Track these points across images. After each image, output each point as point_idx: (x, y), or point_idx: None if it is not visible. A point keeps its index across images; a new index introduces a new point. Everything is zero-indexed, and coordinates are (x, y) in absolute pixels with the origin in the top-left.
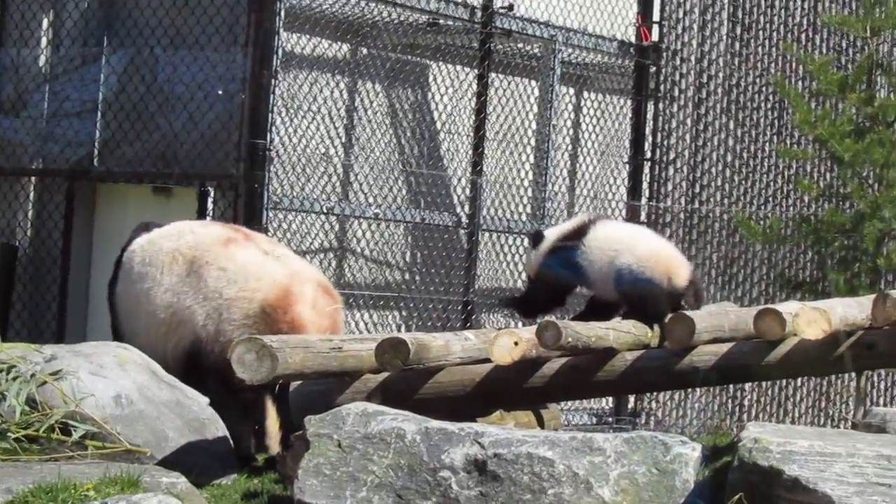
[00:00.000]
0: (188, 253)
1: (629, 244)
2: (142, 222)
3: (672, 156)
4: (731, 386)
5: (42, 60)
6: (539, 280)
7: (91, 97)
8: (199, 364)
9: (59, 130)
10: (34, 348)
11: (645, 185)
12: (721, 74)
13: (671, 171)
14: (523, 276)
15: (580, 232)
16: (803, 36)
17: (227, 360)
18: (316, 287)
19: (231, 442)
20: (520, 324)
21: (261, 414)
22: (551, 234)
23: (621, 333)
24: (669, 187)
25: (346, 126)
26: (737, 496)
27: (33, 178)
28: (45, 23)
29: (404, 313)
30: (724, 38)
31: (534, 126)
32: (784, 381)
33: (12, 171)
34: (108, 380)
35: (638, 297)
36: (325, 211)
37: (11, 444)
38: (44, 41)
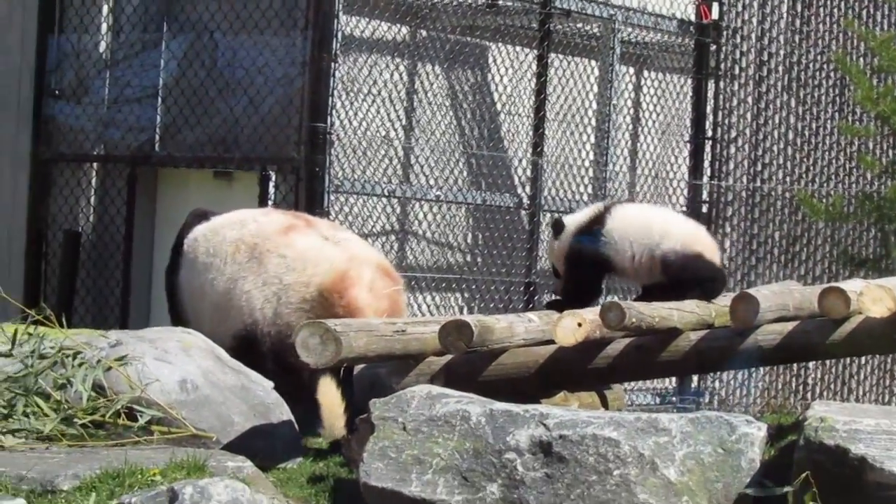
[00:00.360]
0: (250, 241)
1: (663, 228)
2: (197, 209)
3: (733, 134)
4: (795, 365)
5: (102, 46)
6: (572, 266)
7: (151, 83)
8: (255, 347)
9: (121, 116)
10: (99, 334)
11: (706, 164)
12: (782, 52)
13: (732, 149)
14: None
15: (604, 216)
16: (864, 12)
17: (285, 343)
18: (375, 269)
19: (296, 426)
20: None
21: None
22: (572, 221)
23: (685, 313)
24: (731, 166)
25: (406, 108)
26: (803, 475)
27: (95, 164)
28: (105, 9)
29: (466, 295)
30: (785, 14)
31: (594, 106)
32: (848, 360)
33: (74, 158)
34: (173, 365)
35: (691, 274)
36: (386, 194)
37: (78, 429)
38: (104, 27)
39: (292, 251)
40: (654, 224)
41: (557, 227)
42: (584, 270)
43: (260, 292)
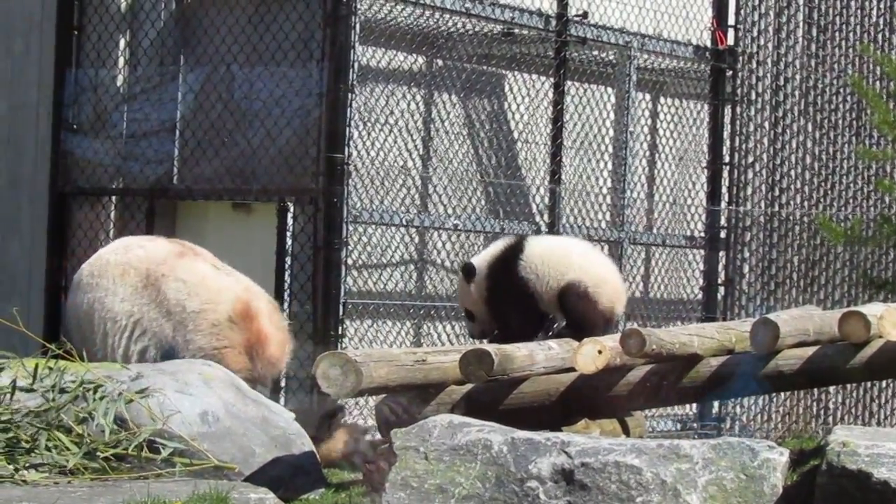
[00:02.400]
0: (140, 266)
1: (580, 263)
2: None
3: (751, 159)
4: (816, 389)
5: (120, 80)
6: (499, 303)
7: (169, 115)
8: None
9: (139, 149)
10: (119, 367)
11: (724, 190)
12: (798, 76)
13: (750, 174)
14: None
15: (521, 244)
16: (880, 36)
17: None
18: (268, 303)
19: (318, 456)
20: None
21: None
22: (484, 259)
23: (705, 339)
24: (749, 191)
25: (423, 138)
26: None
27: (114, 198)
28: (121, 43)
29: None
30: (801, 39)
31: (611, 133)
32: (869, 384)
33: (92, 192)
34: (193, 397)
35: (581, 316)
36: (404, 223)
37: (101, 463)
38: (121, 61)
39: (192, 277)
40: (571, 254)
41: (469, 270)
42: (513, 301)
43: (167, 321)
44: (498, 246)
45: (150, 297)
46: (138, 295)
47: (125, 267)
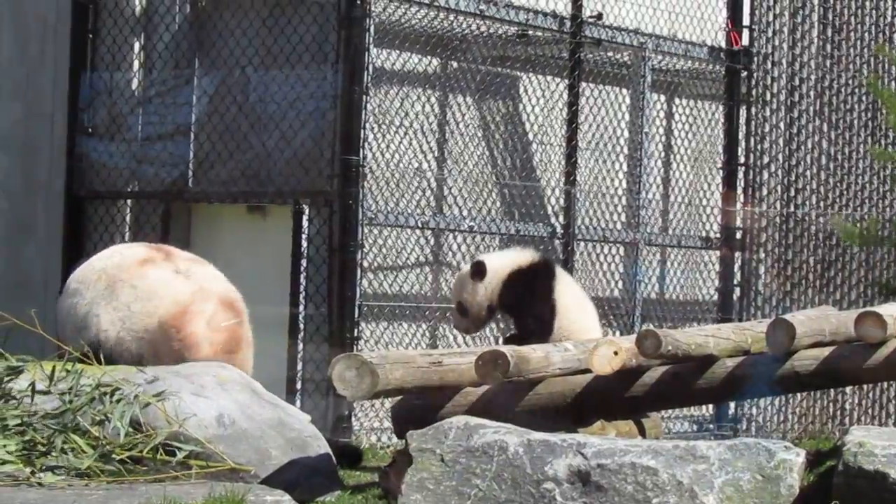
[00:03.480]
0: (111, 272)
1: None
2: None
3: (766, 160)
4: (832, 390)
5: (135, 84)
6: (523, 303)
7: (184, 119)
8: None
9: (153, 153)
10: (136, 370)
11: (740, 191)
12: (813, 77)
13: (765, 175)
14: (617, 285)
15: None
16: (895, 36)
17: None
18: (217, 303)
19: (334, 458)
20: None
21: None
22: (503, 266)
23: (721, 340)
24: (764, 192)
25: (438, 140)
26: None
27: (129, 201)
28: (136, 46)
29: (502, 326)
30: (815, 40)
31: (626, 134)
32: (886, 384)
33: (108, 195)
34: (209, 399)
35: None
36: (419, 225)
37: (116, 465)
38: (136, 64)
39: (144, 283)
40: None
41: (480, 269)
42: (537, 313)
43: (107, 315)
44: (523, 257)
45: (105, 298)
46: (99, 297)
47: (100, 273)
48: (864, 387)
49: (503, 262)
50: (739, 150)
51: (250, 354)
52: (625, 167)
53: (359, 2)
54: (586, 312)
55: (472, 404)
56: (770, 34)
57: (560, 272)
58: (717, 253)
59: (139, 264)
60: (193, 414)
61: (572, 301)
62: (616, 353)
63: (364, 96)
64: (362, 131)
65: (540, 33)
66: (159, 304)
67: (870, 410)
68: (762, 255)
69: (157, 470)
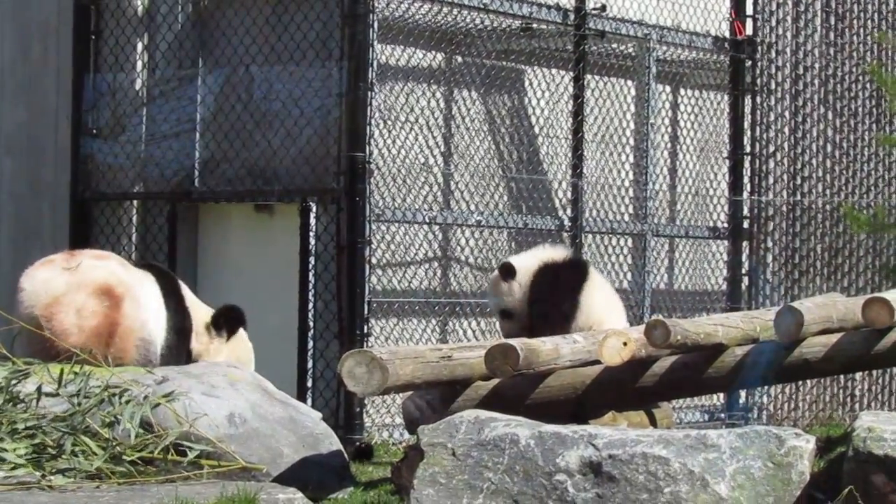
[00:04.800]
0: (20, 277)
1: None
2: None
3: (772, 149)
4: (842, 376)
5: (138, 84)
6: (548, 300)
7: (189, 118)
8: None
9: (159, 153)
10: (145, 371)
11: (746, 180)
12: (817, 65)
13: (772, 164)
14: (626, 276)
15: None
16: None
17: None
18: (91, 293)
19: (346, 455)
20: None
21: None
22: (531, 265)
23: (730, 329)
24: (771, 180)
25: (444, 135)
26: (846, 490)
27: (135, 202)
28: (139, 46)
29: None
30: (819, 28)
31: (632, 126)
32: (894, 369)
33: (114, 196)
34: (220, 399)
35: None
36: (427, 221)
37: (127, 467)
38: (139, 65)
39: (30, 284)
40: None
41: (509, 270)
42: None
43: (16, 315)
44: (556, 254)
45: (16, 304)
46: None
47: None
48: (873, 372)
49: (532, 260)
50: (745, 139)
51: (134, 340)
52: (631, 159)
53: None
54: (613, 312)
55: (482, 398)
56: (773, 23)
57: (592, 272)
58: (725, 242)
59: (36, 268)
60: (204, 414)
61: (599, 300)
62: (625, 344)
63: (369, 92)
64: (368, 128)
65: (544, 26)
66: (37, 301)
67: (879, 396)
68: (769, 244)
69: (168, 470)
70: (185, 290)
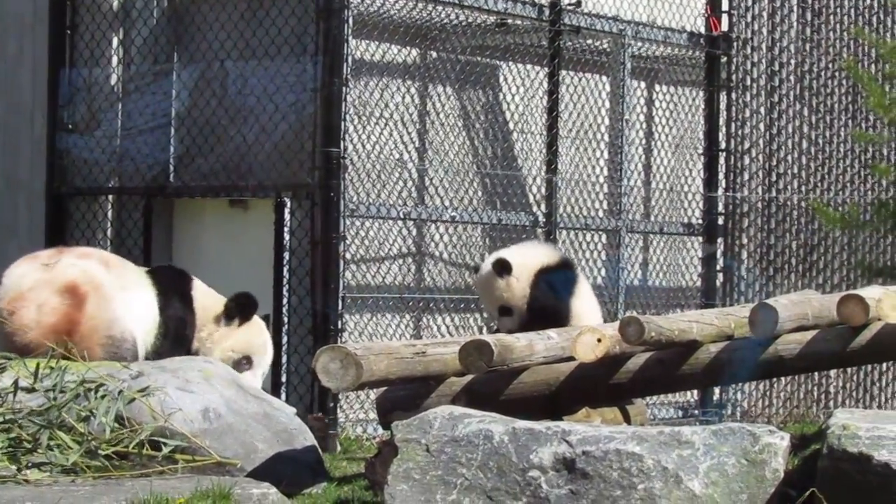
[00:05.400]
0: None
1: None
2: None
3: (747, 145)
4: (817, 374)
5: (113, 79)
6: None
7: (164, 113)
8: None
9: (134, 147)
10: (121, 366)
11: (721, 176)
12: (793, 61)
13: (746, 160)
14: (600, 272)
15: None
16: (874, 19)
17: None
18: (54, 290)
19: (320, 451)
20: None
21: None
22: (531, 264)
23: (705, 325)
24: (746, 177)
25: (418, 130)
26: (808, 491)
27: (110, 197)
28: (114, 41)
29: (485, 315)
30: (795, 24)
31: (606, 122)
32: (870, 367)
33: (89, 191)
34: (195, 394)
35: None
36: (401, 216)
37: (102, 461)
38: (114, 59)
39: (7, 279)
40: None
41: (505, 266)
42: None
43: None
44: (550, 257)
45: None
46: None
47: None
48: (848, 370)
49: (529, 258)
50: (720, 135)
51: (98, 338)
52: (606, 155)
53: None
54: (595, 312)
55: (456, 394)
56: (749, 19)
57: (580, 275)
58: (700, 239)
59: (19, 262)
60: (179, 409)
61: (586, 301)
62: (599, 341)
63: (344, 88)
64: (342, 123)
65: (519, 22)
66: (5, 294)
67: (854, 393)
68: (744, 241)
69: (143, 465)
70: (198, 287)
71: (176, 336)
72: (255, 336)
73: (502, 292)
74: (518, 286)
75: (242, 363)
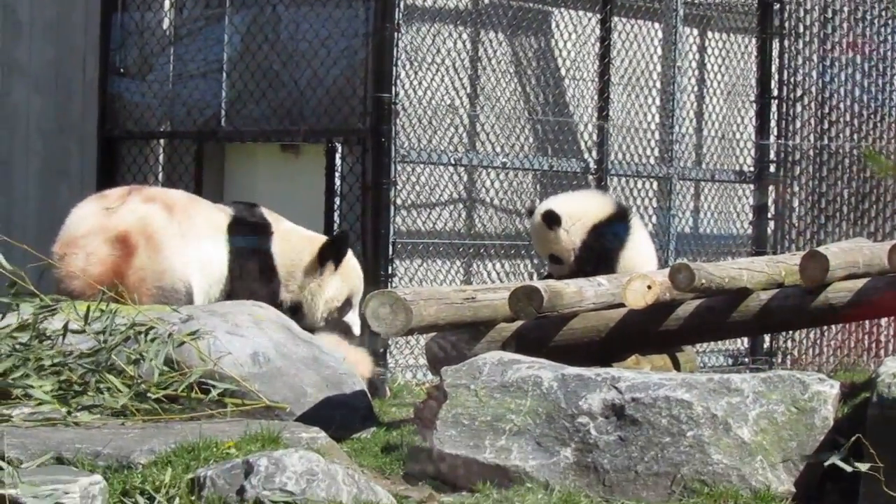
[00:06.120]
0: None
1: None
2: None
3: (799, 93)
4: (867, 322)
5: (166, 23)
6: (600, 252)
7: (216, 58)
8: None
9: (186, 92)
10: (171, 309)
11: (773, 124)
12: (846, 8)
13: (799, 108)
14: (651, 219)
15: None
16: None
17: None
18: (105, 240)
19: (369, 395)
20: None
21: None
22: (586, 216)
23: (755, 273)
24: (798, 124)
25: (470, 77)
26: (854, 437)
27: (162, 141)
28: None
29: (536, 262)
30: None
31: (658, 69)
32: None
33: (141, 135)
34: (244, 338)
35: None
36: (452, 162)
37: (152, 404)
38: (167, 4)
39: (69, 218)
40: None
41: (554, 217)
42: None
43: None
44: (604, 208)
45: None
46: None
47: None
48: None
49: (583, 209)
50: (773, 83)
51: (146, 289)
52: (657, 102)
53: None
54: (649, 261)
55: (505, 340)
56: None
57: (635, 223)
58: (751, 186)
59: (85, 201)
60: (228, 352)
61: (640, 251)
62: (650, 287)
63: (395, 34)
64: (394, 69)
65: None
66: (61, 237)
67: None
68: (796, 189)
69: (192, 408)
70: (282, 242)
71: (255, 284)
72: (354, 277)
73: (552, 244)
74: (567, 238)
75: (345, 307)
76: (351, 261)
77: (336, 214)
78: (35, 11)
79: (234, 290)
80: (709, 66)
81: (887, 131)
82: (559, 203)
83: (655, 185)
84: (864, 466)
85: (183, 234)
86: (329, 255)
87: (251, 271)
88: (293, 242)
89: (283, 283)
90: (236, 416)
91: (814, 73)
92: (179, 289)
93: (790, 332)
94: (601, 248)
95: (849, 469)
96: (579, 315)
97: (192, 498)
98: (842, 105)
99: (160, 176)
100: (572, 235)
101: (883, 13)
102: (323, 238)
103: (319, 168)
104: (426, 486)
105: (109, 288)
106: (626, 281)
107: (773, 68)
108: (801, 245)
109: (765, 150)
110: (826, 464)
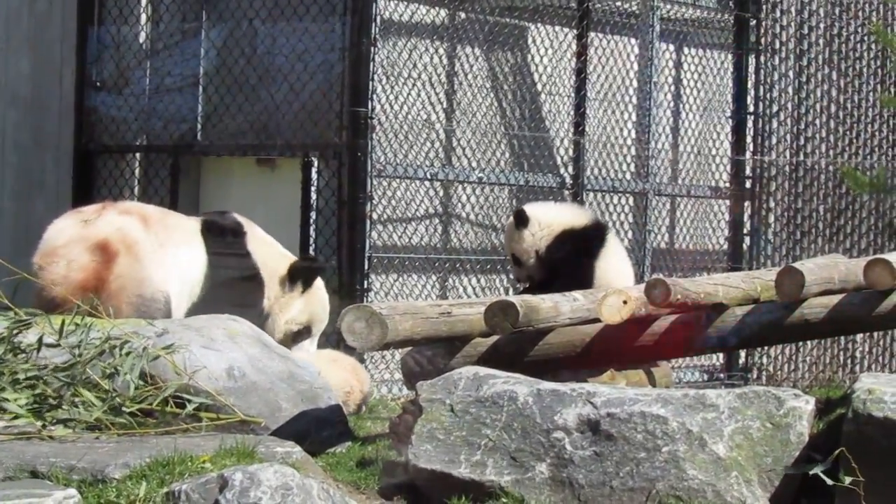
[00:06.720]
0: None
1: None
2: None
3: (775, 109)
4: (843, 338)
5: (142, 37)
6: (571, 259)
7: (192, 72)
8: None
9: (162, 106)
10: (146, 323)
11: (749, 139)
12: (822, 25)
13: (775, 124)
14: (627, 235)
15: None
16: None
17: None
18: (85, 248)
19: (343, 411)
20: None
21: None
22: (555, 220)
23: (731, 289)
24: (773, 141)
25: (446, 91)
26: (837, 451)
27: (138, 155)
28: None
29: (511, 276)
30: None
31: (635, 84)
32: (895, 331)
33: (117, 149)
34: (219, 352)
35: None
36: (428, 177)
37: (127, 418)
38: (143, 18)
39: (47, 232)
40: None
41: (523, 218)
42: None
43: None
44: (578, 218)
45: None
46: None
47: None
48: (874, 334)
49: (554, 216)
50: (749, 98)
51: (126, 297)
52: (634, 117)
53: None
54: (624, 276)
55: (481, 354)
56: None
57: (610, 238)
58: (727, 202)
59: (62, 216)
60: (203, 366)
61: (613, 266)
62: (625, 303)
63: (372, 48)
64: (370, 83)
65: None
66: (41, 249)
67: (880, 358)
68: (772, 204)
69: (167, 422)
70: (258, 243)
71: (226, 295)
72: (318, 306)
73: (514, 243)
74: (530, 241)
75: (302, 333)
76: (320, 290)
77: (312, 229)
78: (11, 25)
79: (214, 287)
80: (685, 82)
81: (862, 147)
82: (534, 207)
83: (631, 200)
84: (847, 480)
85: (161, 244)
86: (299, 276)
87: (232, 268)
88: (270, 247)
89: (266, 284)
90: (211, 430)
91: (789, 90)
92: (159, 298)
93: (766, 347)
94: (565, 257)
95: (830, 482)
96: (555, 330)
97: None
98: (817, 121)
99: (136, 189)
100: (537, 239)
101: (858, 30)
102: (293, 257)
103: (295, 182)
104: (401, 500)
105: (89, 299)
106: (601, 296)
107: (749, 84)
108: (777, 261)
109: (741, 165)
110: (811, 473)
